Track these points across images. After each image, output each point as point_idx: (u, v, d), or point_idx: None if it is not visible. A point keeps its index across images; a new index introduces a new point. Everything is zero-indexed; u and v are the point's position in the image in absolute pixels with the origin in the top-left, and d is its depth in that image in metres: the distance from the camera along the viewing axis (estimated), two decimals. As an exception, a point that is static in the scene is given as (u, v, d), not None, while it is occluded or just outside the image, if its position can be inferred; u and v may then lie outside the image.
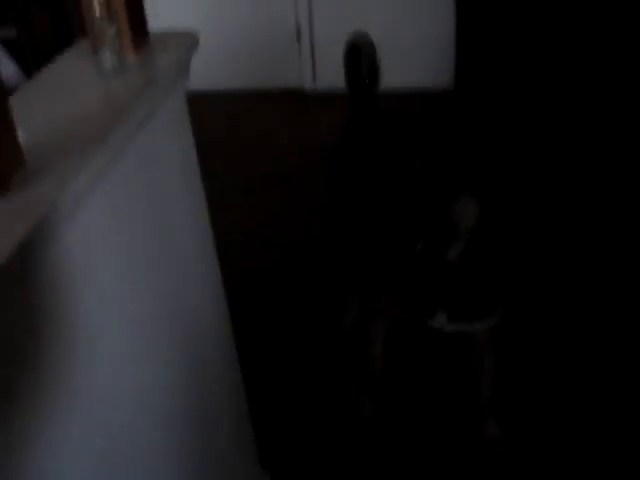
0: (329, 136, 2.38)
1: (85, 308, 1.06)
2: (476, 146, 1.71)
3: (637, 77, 3.39)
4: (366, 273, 2.33)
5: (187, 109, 1.44)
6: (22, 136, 0.95)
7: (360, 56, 2.24)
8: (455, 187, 1.56)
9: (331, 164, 2.32)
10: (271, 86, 4.23)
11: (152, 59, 1.33)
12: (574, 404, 2.19)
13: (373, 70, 2.27)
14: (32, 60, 3.49)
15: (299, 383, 2.33)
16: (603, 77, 3.47)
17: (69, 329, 1.01)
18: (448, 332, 1.91)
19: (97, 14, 1.15)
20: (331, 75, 4.07)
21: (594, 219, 2.92)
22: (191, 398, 1.49)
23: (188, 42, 1.38)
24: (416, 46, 3.97)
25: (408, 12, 3.94)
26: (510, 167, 1.71)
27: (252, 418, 1.89)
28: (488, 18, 3.58)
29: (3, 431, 0.86)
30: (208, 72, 4.22)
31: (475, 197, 1.57)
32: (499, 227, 1.66)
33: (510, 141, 3.30)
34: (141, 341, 1.25)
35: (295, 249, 2.95)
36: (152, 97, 1.25)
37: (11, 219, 0.89)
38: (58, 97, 1.21)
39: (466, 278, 1.71)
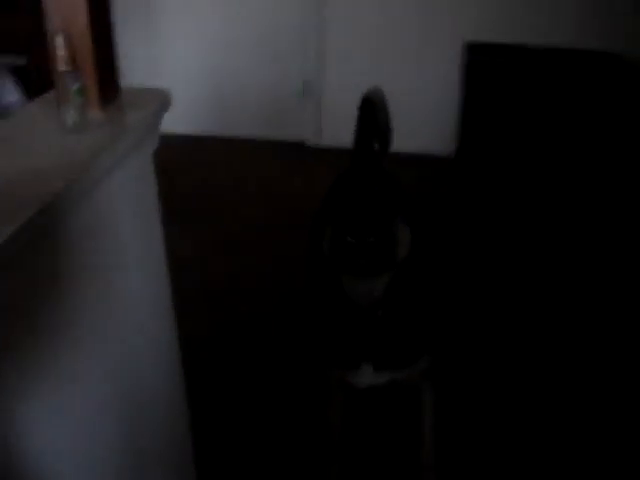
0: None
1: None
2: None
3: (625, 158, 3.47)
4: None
5: (153, 168, 1.40)
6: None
7: (372, 112, 2.15)
8: (390, 211, 1.52)
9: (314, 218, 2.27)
10: (274, 137, 4.27)
11: (120, 116, 1.30)
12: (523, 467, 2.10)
13: (385, 129, 2.18)
14: (37, 88, 3.49)
15: (259, 448, 2.25)
16: (594, 155, 3.55)
17: None
18: (378, 385, 1.81)
19: (59, 69, 1.12)
20: (335, 132, 4.10)
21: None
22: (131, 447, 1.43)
23: (159, 100, 1.35)
24: (421, 113, 4.00)
25: (415, 75, 3.99)
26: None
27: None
28: (493, 98, 3.65)
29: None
30: (215, 119, 4.28)
31: (408, 225, 1.52)
32: (426, 267, 1.65)
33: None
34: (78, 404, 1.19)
35: (282, 298, 2.91)
36: (114, 156, 1.21)
37: None
38: (11, 151, 1.17)
39: (389, 324, 1.65)
